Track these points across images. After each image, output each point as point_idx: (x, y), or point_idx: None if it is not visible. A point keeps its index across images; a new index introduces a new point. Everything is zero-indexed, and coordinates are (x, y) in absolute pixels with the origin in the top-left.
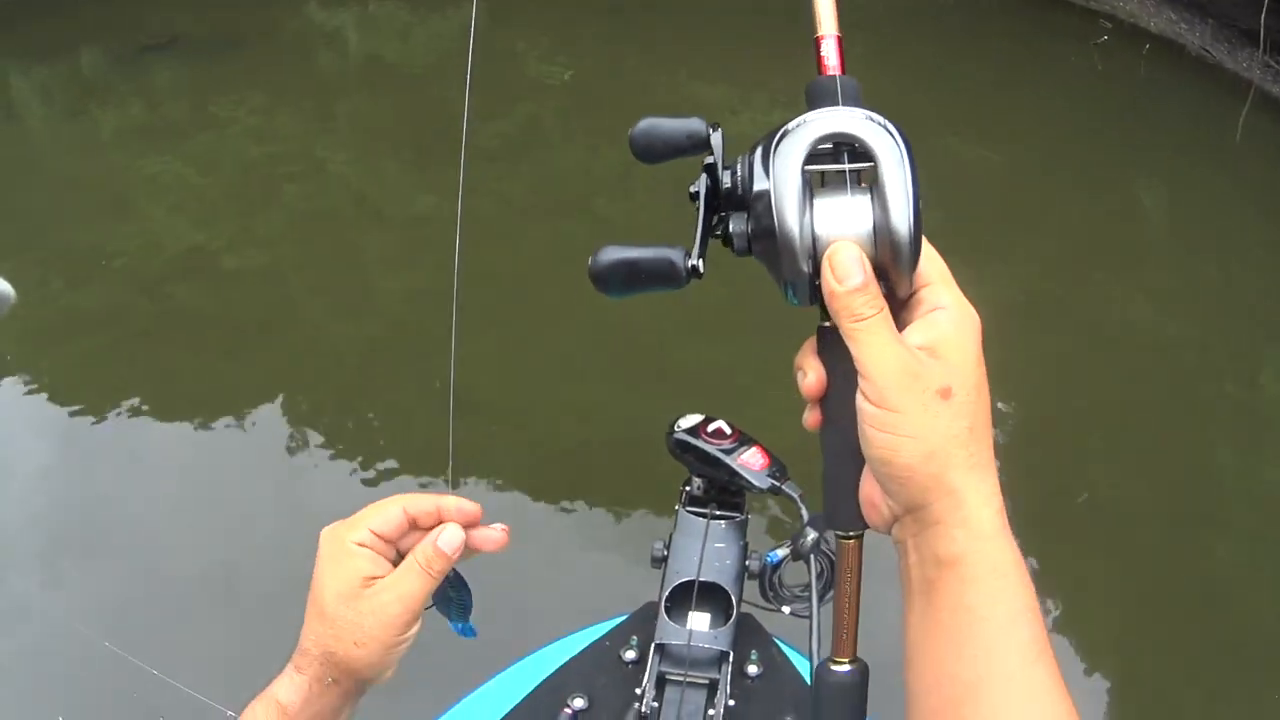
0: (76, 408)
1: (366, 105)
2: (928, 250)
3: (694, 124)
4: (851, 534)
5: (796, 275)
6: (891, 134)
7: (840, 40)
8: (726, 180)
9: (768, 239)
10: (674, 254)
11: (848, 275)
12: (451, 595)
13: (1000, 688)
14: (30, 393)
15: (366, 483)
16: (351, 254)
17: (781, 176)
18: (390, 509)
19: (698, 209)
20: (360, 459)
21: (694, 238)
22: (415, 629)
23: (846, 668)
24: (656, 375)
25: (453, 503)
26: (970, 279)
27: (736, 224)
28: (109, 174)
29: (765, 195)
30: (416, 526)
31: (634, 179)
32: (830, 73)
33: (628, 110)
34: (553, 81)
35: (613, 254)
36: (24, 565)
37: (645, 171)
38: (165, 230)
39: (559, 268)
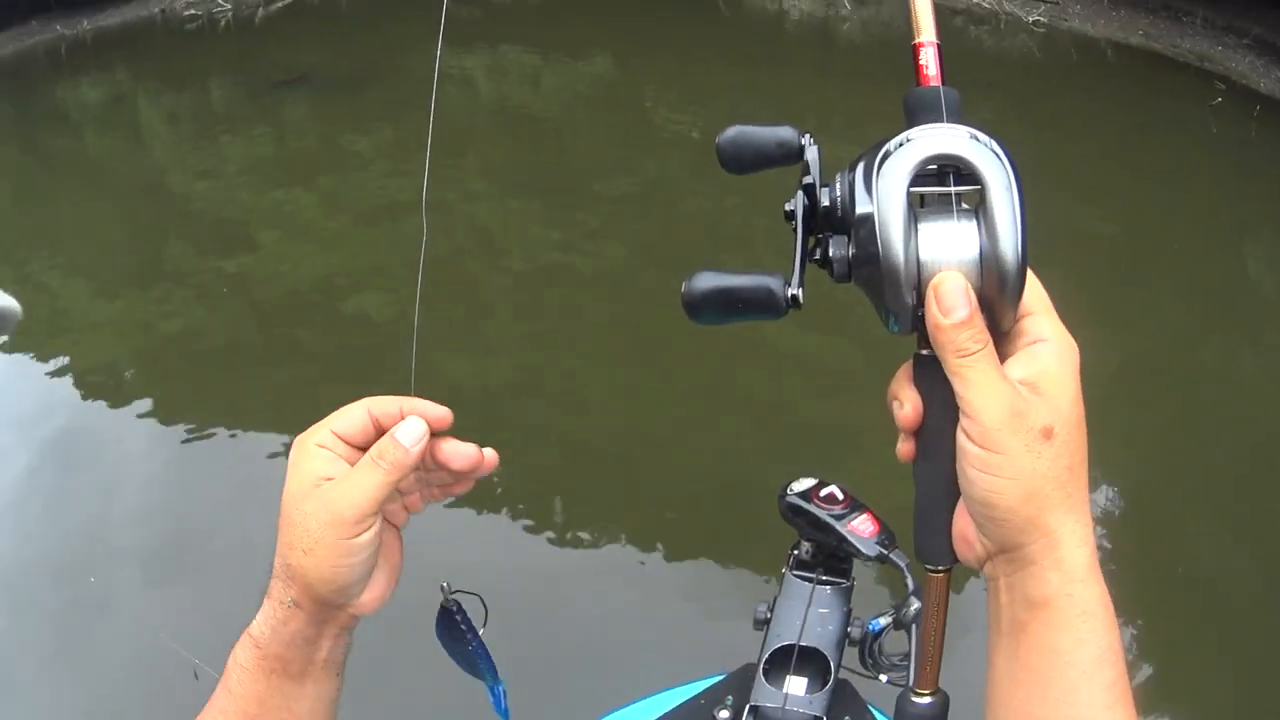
0: (189, 427)
1: (494, 148)
2: (1029, 278)
3: (785, 132)
4: (941, 568)
5: (899, 305)
6: (999, 157)
7: (940, 49)
8: (825, 199)
9: (870, 266)
10: (773, 282)
11: (953, 308)
12: (468, 642)
13: None
14: (145, 414)
15: (473, 514)
16: (474, 294)
17: (887, 200)
18: (354, 411)
19: (794, 229)
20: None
21: (792, 262)
22: (368, 535)
23: (928, 699)
24: (773, 428)
25: (420, 403)
26: (1086, 341)
27: (837, 248)
28: (233, 202)
29: (869, 219)
30: (380, 428)
31: (754, 230)
32: (931, 83)
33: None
34: (679, 135)
35: (708, 280)
36: (126, 575)
37: (765, 226)
38: (287, 261)
39: (679, 317)
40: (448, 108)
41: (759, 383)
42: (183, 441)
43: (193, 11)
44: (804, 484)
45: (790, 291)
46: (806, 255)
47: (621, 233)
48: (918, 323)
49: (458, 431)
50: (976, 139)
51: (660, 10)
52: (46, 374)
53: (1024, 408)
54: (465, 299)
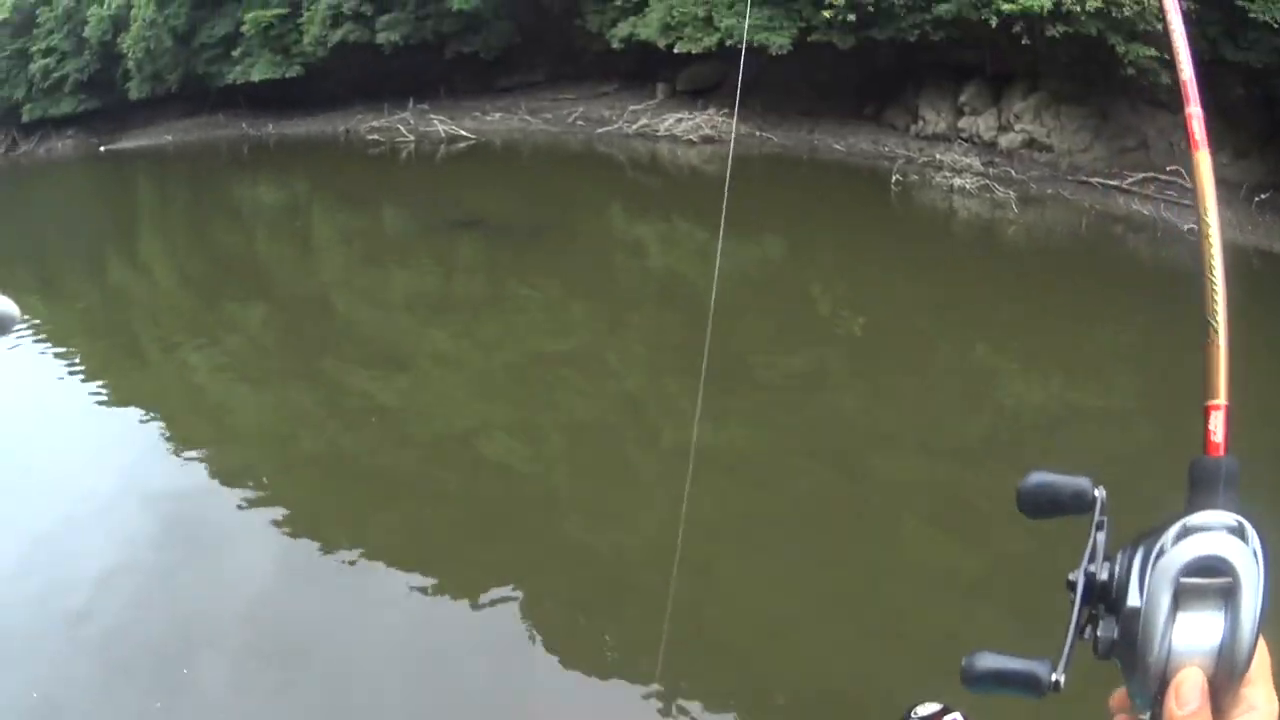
0: (312, 543)
1: (656, 317)
2: (1259, 646)
3: (1081, 484)
4: None
5: (1145, 690)
6: (1256, 555)
7: (1229, 410)
8: (1103, 573)
9: (1129, 652)
10: (1041, 670)
11: (1188, 702)
12: None
13: None
14: (273, 520)
15: (581, 677)
16: (618, 465)
17: (1154, 600)
18: None
19: (1072, 602)
20: (572, 656)
21: (1064, 642)
22: None
23: None
24: (896, 636)
25: None
26: None
27: (1105, 630)
28: (393, 330)
29: (1136, 615)
30: None
31: (904, 436)
32: (1215, 453)
33: (912, 368)
34: (843, 329)
35: (986, 662)
36: (218, 674)
37: (917, 435)
38: (437, 399)
39: (817, 513)
40: (617, 272)
41: (891, 591)
42: (302, 555)
43: (377, 137)
44: (928, 709)
45: (1055, 677)
46: (1078, 635)
47: (772, 420)
48: (1156, 703)
49: (576, 597)
50: (1243, 536)
51: (835, 195)
52: (182, 456)
53: None
54: (608, 467)
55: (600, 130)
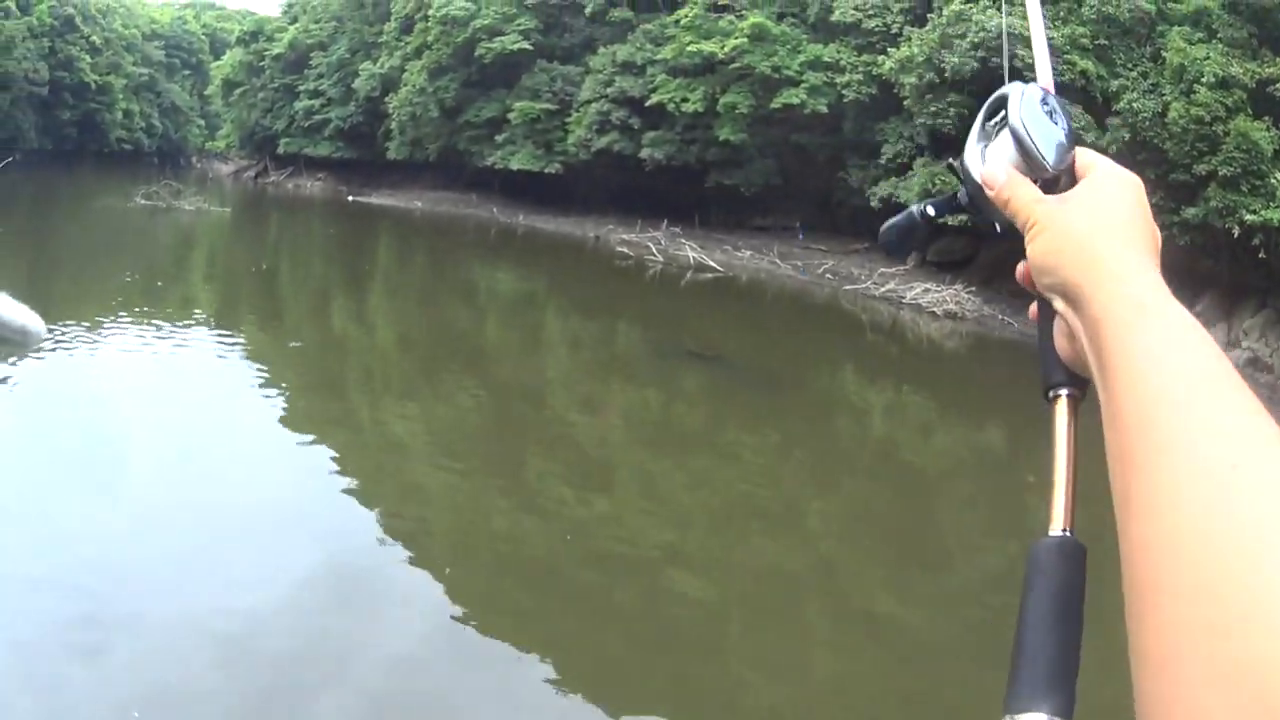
0: (470, 620)
1: (866, 484)
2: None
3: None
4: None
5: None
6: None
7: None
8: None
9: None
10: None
11: (995, 180)
12: None
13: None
14: (446, 594)
15: None
16: (794, 622)
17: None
18: None
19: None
20: None
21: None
22: None
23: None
24: None
25: None
26: None
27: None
28: (602, 444)
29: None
30: None
31: (1100, 637)
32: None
33: (1116, 570)
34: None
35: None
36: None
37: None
38: (631, 520)
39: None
40: (838, 433)
41: None
42: (459, 633)
43: (625, 250)
44: None
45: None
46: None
47: (958, 607)
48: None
49: None
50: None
51: None
52: (365, 509)
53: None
54: (784, 621)
55: (847, 287)
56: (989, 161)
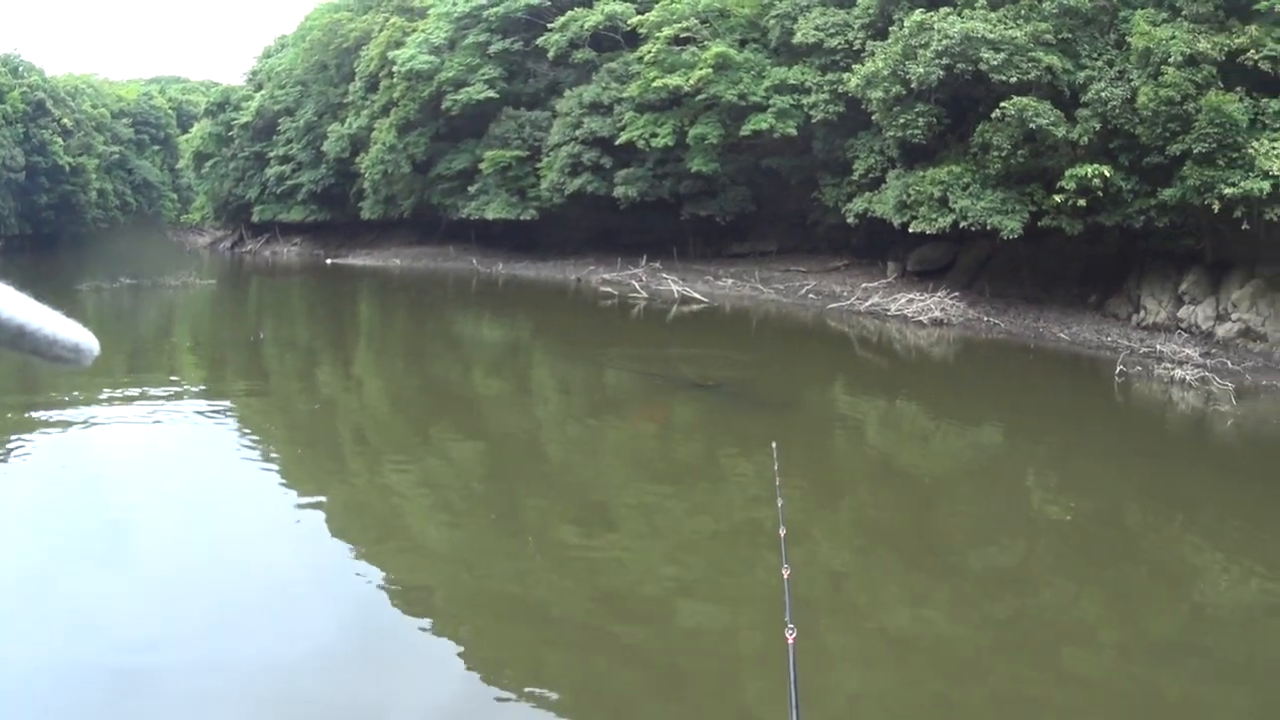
0: (484, 672)
1: (869, 498)
2: None
3: None
4: None
5: None
6: None
7: None
8: None
9: None
10: None
11: None
12: None
13: None
14: (453, 642)
15: None
16: (810, 645)
17: None
18: None
19: None
20: None
21: None
22: None
23: None
24: None
25: None
26: None
27: None
28: (599, 481)
29: None
30: None
31: (1101, 632)
32: None
33: (1121, 556)
34: (1055, 520)
35: None
36: None
37: (1114, 631)
38: (636, 553)
39: (1011, 705)
40: (834, 450)
41: None
42: (471, 684)
43: (608, 289)
44: None
45: None
46: None
47: (973, 609)
48: None
49: None
50: None
51: (1057, 385)
52: (367, 564)
53: None
54: (810, 645)
55: (831, 305)
56: None
